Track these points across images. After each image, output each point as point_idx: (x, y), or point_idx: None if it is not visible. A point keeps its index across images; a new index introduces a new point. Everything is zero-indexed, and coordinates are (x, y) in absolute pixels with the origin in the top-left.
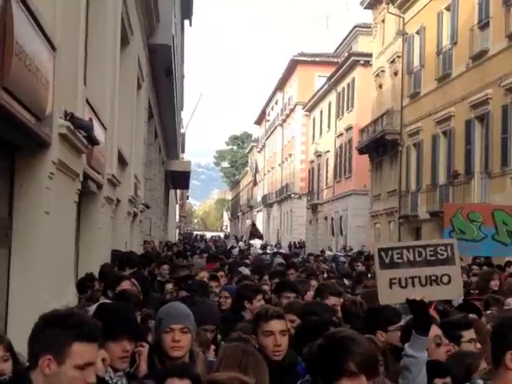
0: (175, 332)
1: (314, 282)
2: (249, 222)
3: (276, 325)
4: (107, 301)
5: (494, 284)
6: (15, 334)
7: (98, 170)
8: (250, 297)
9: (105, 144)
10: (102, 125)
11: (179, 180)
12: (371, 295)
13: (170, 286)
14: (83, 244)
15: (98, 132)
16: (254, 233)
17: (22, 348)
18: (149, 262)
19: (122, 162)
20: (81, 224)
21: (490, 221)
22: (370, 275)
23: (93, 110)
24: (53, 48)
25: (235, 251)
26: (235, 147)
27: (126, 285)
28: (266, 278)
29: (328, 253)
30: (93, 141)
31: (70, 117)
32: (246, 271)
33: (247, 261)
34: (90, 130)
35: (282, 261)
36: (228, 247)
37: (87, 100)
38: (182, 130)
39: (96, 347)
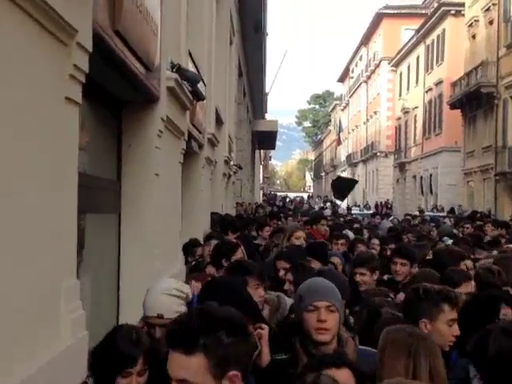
0: (320, 310)
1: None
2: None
3: None
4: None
5: None
6: (127, 308)
7: (200, 128)
8: None
9: (205, 101)
10: (202, 80)
11: (266, 140)
12: (508, 263)
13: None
14: (186, 207)
15: (201, 87)
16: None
17: (133, 319)
18: (247, 225)
19: (219, 120)
20: (183, 186)
21: None
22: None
23: (194, 63)
24: None
25: (327, 212)
26: (317, 106)
27: (239, 254)
28: (376, 241)
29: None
30: (198, 95)
31: (177, 68)
32: (350, 234)
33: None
34: (197, 82)
35: (391, 224)
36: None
37: (189, 52)
38: (266, 90)
39: None
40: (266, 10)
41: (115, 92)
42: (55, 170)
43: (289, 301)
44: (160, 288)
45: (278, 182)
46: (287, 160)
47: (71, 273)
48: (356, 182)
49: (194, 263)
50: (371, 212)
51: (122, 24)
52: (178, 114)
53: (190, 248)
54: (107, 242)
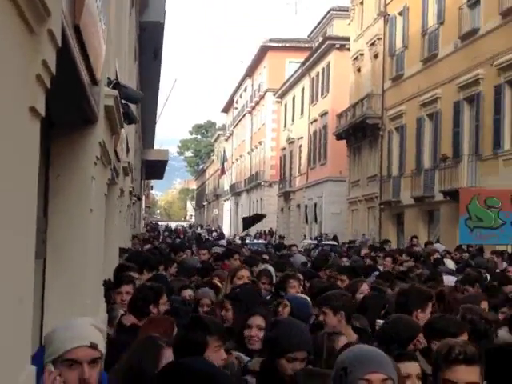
0: None
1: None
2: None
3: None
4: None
5: None
6: None
7: (118, 155)
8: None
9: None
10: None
11: (155, 170)
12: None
13: (188, 293)
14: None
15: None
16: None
17: None
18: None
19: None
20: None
21: (509, 206)
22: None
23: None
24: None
25: (222, 242)
26: (199, 136)
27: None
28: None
29: (304, 242)
30: (130, 118)
31: (114, 84)
32: (269, 268)
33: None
34: (138, 101)
35: (304, 258)
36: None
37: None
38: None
39: None
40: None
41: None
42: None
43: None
44: (86, 320)
45: (159, 211)
46: (168, 189)
47: None
48: (263, 216)
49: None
50: (263, 242)
51: (82, 19)
52: (108, 138)
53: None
54: None
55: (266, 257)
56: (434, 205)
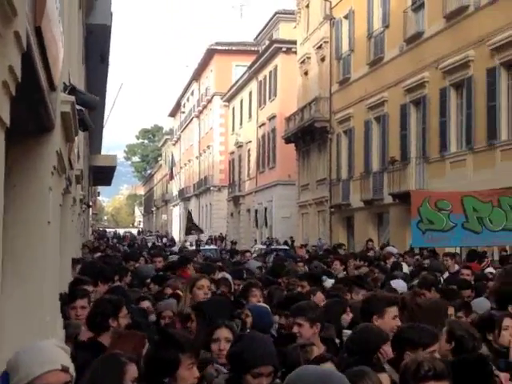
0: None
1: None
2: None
3: None
4: None
5: None
6: None
7: (72, 163)
8: None
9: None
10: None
11: (102, 176)
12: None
13: (146, 304)
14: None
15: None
16: (193, 227)
17: None
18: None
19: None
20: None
21: (459, 208)
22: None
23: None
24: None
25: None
26: (146, 141)
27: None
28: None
29: (256, 246)
30: (85, 124)
31: (70, 89)
32: (227, 276)
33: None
34: (95, 108)
35: (259, 263)
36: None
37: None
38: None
39: None
40: (110, 40)
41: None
42: None
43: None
44: (52, 342)
45: (106, 217)
46: (115, 195)
47: None
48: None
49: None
50: (215, 247)
51: (43, 21)
52: (64, 146)
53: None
54: None
55: (219, 264)
56: (384, 207)
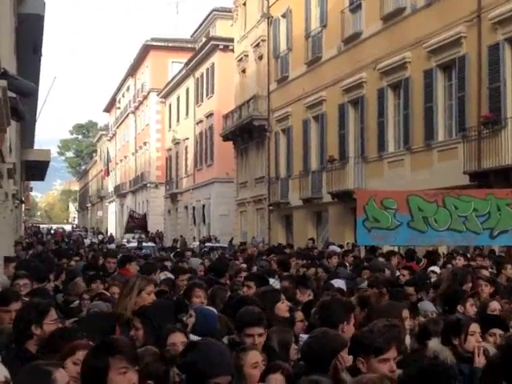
0: None
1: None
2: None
3: None
4: None
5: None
6: None
7: (4, 156)
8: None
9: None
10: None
11: (35, 171)
12: None
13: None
14: None
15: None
16: (138, 223)
17: None
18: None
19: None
20: None
21: (405, 207)
22: None
23: None
24: None
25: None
26: (80, 136)
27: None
28: None
29: (194, 244)
30: (19, 114)
31: (1, 74)
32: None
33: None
34: (30, 95)
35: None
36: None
37: None
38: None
39: None
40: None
41: None
42: None
43: None
44: None
45: (39, 213)
46: (48, 191)
47: None
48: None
49: None
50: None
51: None
52: None
53: None
54: None
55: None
56: (322, 206)
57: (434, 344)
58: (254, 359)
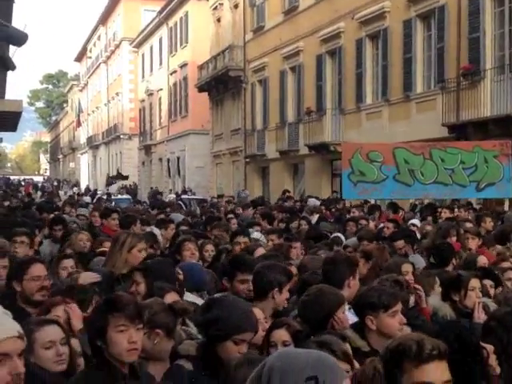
0: None
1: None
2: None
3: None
4: None
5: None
6: None
7: None
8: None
9: None
10: None
11: (7, 122)
12: None
13: (70, 264)
14: None
15: None
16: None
17: None
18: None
19: None
20: None
21: (391, 160)
22: None
23: None
24: None
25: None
26: (51, 86)
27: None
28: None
29: (170, 196)
30: (7, 64)
31: None
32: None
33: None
34: (23, 43)
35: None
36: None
37: None
38: None
39: None
40: None
41: None
42: None
43: None
44: None
45: (10, 165)
46: (18, 142)
47: None
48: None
49: None
50: (128, 197)
51: None
52: None
53: None
54: None
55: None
56: (299, 158)
57: (434, 300)
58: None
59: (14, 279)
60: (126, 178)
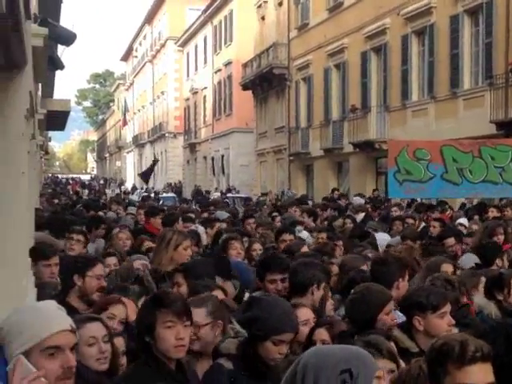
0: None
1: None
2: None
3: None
4: None
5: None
6: None
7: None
8: None
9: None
10: None
11: (56, 121)
12: None
13: (113, 261)
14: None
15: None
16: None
17: None
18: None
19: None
20: None
21: (439, 158)
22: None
23: None
24: None
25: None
26: (98, 85)
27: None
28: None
29: (215, 194)
30: (56, 63)
31: (42, 21)
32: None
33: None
34: (72, 42)
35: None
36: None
37: None
38: None
39: None
40: None
41: None
42: None
43: None
44: (51, 303)
45: (58, 163)
46: (66, 141)
47: None
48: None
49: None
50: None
51: None
52: (34, 86)
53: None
54: None
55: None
56: (343, 156)
57: (479, 299)
58: (304, 316)
59: (76, 273)
60: (157, 160)
